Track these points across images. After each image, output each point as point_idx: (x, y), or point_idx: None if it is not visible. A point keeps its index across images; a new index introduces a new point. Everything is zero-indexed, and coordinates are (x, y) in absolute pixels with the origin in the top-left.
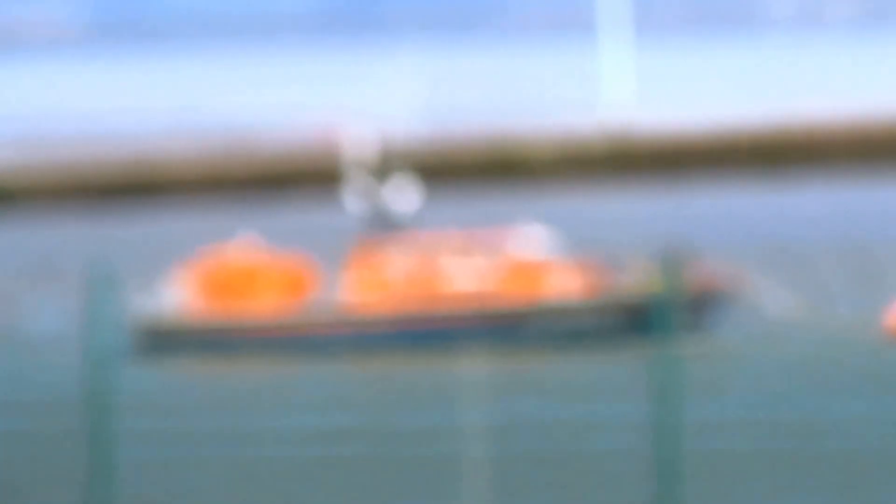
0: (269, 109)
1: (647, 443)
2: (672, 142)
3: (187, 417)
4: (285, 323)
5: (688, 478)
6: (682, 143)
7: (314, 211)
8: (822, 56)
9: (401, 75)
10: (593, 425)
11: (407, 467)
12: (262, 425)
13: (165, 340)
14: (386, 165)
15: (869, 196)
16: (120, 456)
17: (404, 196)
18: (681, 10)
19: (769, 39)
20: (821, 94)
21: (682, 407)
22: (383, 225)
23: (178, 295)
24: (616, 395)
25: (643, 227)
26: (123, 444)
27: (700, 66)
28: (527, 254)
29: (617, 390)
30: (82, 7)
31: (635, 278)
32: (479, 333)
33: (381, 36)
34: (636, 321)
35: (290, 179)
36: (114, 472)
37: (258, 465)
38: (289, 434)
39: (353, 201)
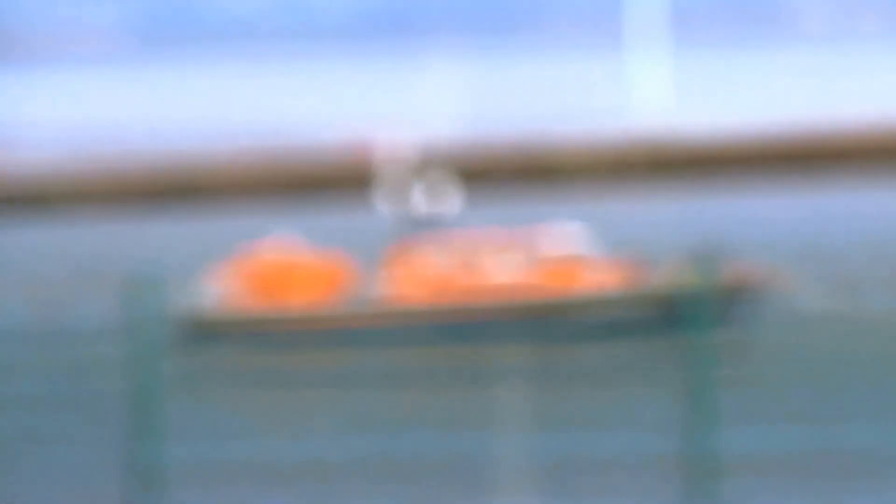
0: (309, 114)
1: (679, 439)
2: (705, 145)
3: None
4: (325, 317)
5: (723, 476)
6: (715, 146)
7: (353, 213)
8: (854, 60)
9: (438, 80)
10: (626, 421)
11: (442, 465)
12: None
13: (208, 334)
14: (424, 168)
15: None
16: (165, 450)
17: (442, 198)
18: (715, 14)
19: (802, 43)
20: (852, 99)
21: (715, 401)
22: (420, 226)
23: (221, 291)
24: (649, 392)
25: (678, 229)
26: (168, 437)
27: (734, 70)
28: (562, 251)
29: (650, 384)
30: (126, 13)
31: (669, 275)
32: (515, 328)
33: (419, 42)
34: (670, 317)
35: (330, 182)
36: (159, 465)
37: (305, 461)
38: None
39: (390, 203)
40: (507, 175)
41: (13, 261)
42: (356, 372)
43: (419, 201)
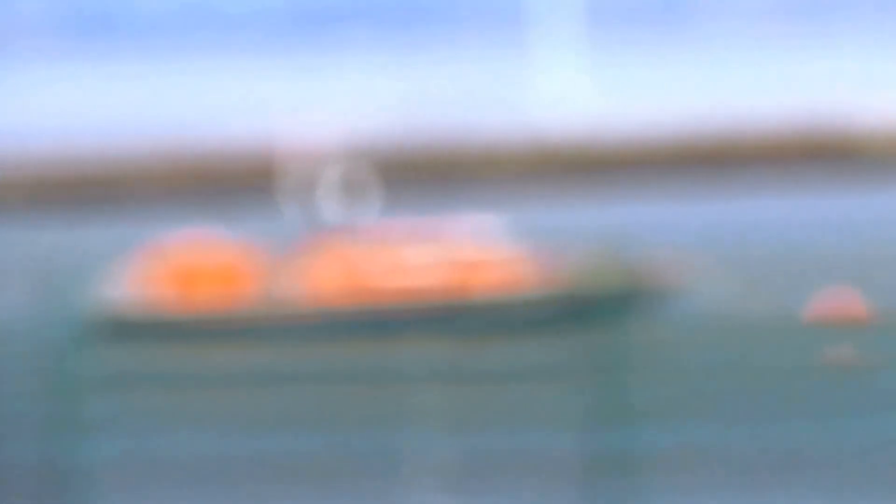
0: (221, 109)
1: (589, 436)
2: (619, 144)
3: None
4: (238, 311)
5: (633, 473)
6: (628, 145)
7: (266, 208)
8: (767, 60)
9: (351, 75)
10: (536, 417)
11: (353, 462)
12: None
13: (122, 330)
14: (336, 163)
15: (810, 200)
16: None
17: (355, 193)
18: (631, 12)
19: (717, 43)
20: (766, 99)
21: (625, 396)
22: (333, 221)
23: (134, 287)
24: (559, 387)
25: (590, 226)
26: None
27: (649, 68)
28: (475, 245)
29: (560, 379)
30: (35, 8)
31: (580, 271)
32: (427, 322)
33: (330, 37)
34: (580, 311)
35: (242, 178)
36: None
37: (217, 458)
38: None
39: (302, 199)
40: (420, 170)
41: None
42: (269, 368)
43: (331, 196)
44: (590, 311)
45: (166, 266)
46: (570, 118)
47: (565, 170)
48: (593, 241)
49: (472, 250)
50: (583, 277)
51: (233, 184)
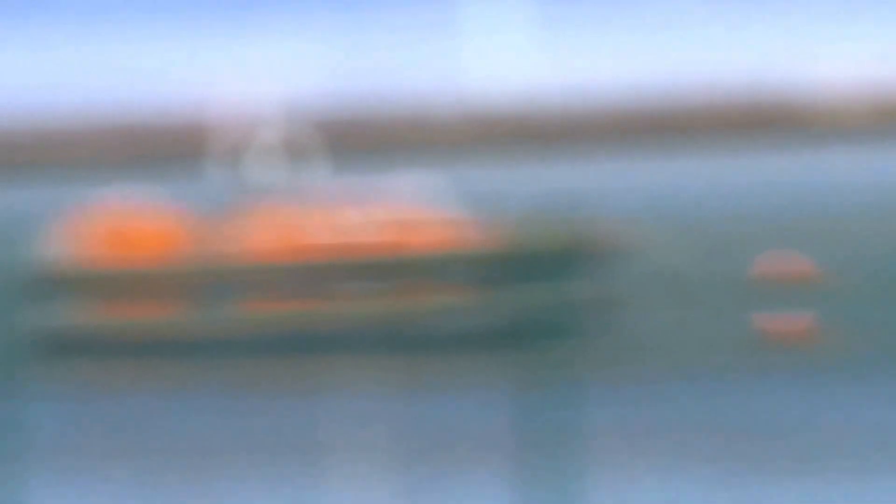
0: (153, 77)
1: (526, 407)
2: (566, 111)
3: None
4: (171, 271)
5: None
6: (575, 111)
7: (201, 171)
8: (710, 28)
9: (288, 41)
10: (474, 387)
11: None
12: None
13: (53, 290)
14: (270, 129)
15: (753, 165)
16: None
17: (291, 156)
18: None
19: (656, 9)
20: (705, 67)
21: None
22: (267, 183)
23: (65, 249)
24: (498, 353)
25: (535, 190)
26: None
27: (596, 36)
28: (411, 206)
29: (498, 343)
30: None
31: (518, 230)
32: (361, 278)
33: (263, 5)
34: (517, 269)
35: (175, 144)
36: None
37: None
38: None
39: (237, 161)
40: (359, 134)
41: None
42: (202, 330)
43: (267, 159)
44: (528, 270)
45: (100, 227)
46: (510, 84)
47: (504, 134)
48: (534, 204)
49: (409, 211)
50: (521, 237)
51: (167, 147)
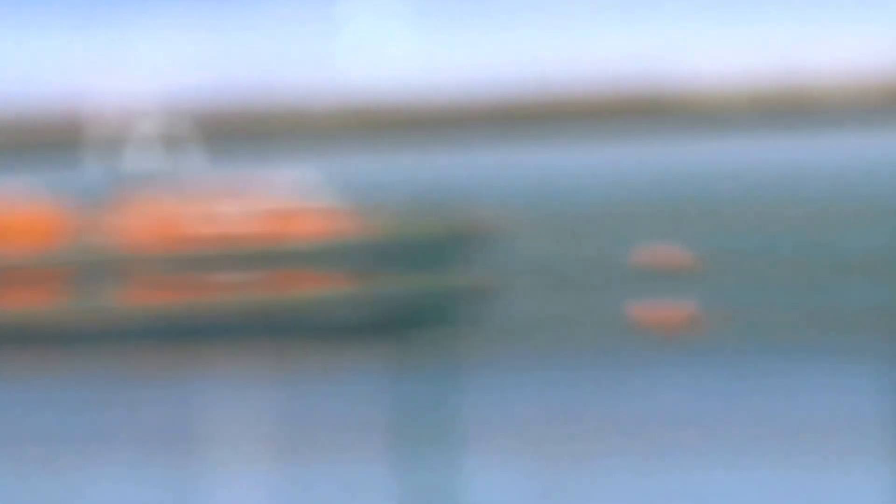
0: (28, 68)
1: (407, 399)
2: (442, 101)
3: None
4: (42, 261)
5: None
6: (451, 102)
7: (72, 164)
8: (586, 19)
9: (165, 32)
10: (343, 363)
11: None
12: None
13: None
14: (146, 120)
15: (628, 153)
16: None
17: (167, 148)
18: None
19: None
20: (581, 57)
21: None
22: (143, 174)
23: None
24: (374, 343)
25: (410, 180)
26: None
27: (473, 28)
28: (289, 199)
29: (376, 334)
30: None
31: (397, 221)
32: (237, 267)
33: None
34: (394, 256)
35: (48, 135)
36: None
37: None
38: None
39: (112, 153)
40: (235, 126)
41: None
42: (78, 320)
43: (143, 151)
44: (405, 259)
45: None
46: (387, 75)
47: (381, 124)
48: (410, 193)
49: (287, 201)
50: (398, 226)
51: (43, 138)
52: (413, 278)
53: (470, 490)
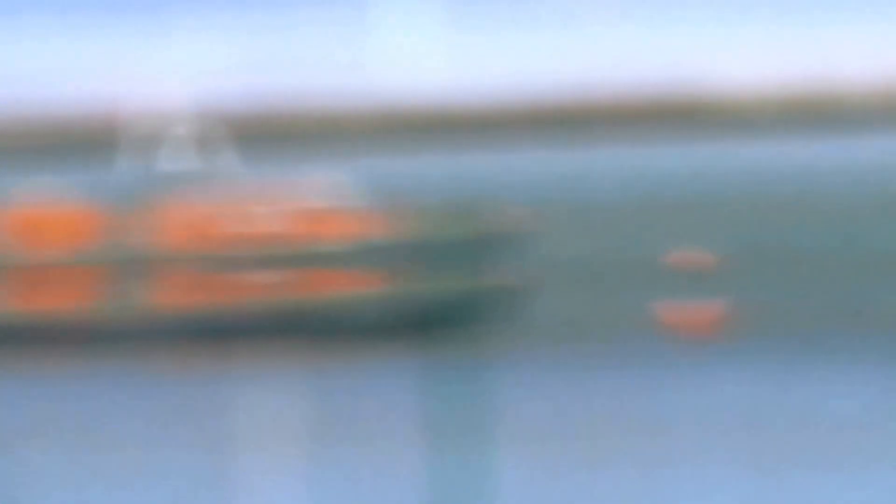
0: (62, 70)
1: (440, 394)
2: (473, 104)
3: None
4: (77, 261)
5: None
6: (482, 105)
7: (109, 166)
8: (620, 23)
9: (194, 39)
10: (374, 363)
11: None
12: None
13: None
14: (179, 122)
15: (655, 156)
16: None
17: (202, 151)
18: None
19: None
20: (616, 61)
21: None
22: (178, 177)
23: None
24: (408, 343)
25: (443, 182)
26: None
27: (501, 30)
28: (322, 202)
29: (409, 335)
30: None
31: (430, 223)
32: (264, 271)
33: (173, 2)
34: (428, 256)
35: (85, 137)
36: None
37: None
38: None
39: (148, 155)
40: (270, 129)
41: None
42: (113, 319)
43: (178, 153)
44: (436, 259)
45: (12, 217)
46: (417, 77)
47: (412, 126)
48: (441, 194)
49: (318, 204)
50: (429, 227)
51: (79, 139)
52: (443, 279)
53: (498, 487)
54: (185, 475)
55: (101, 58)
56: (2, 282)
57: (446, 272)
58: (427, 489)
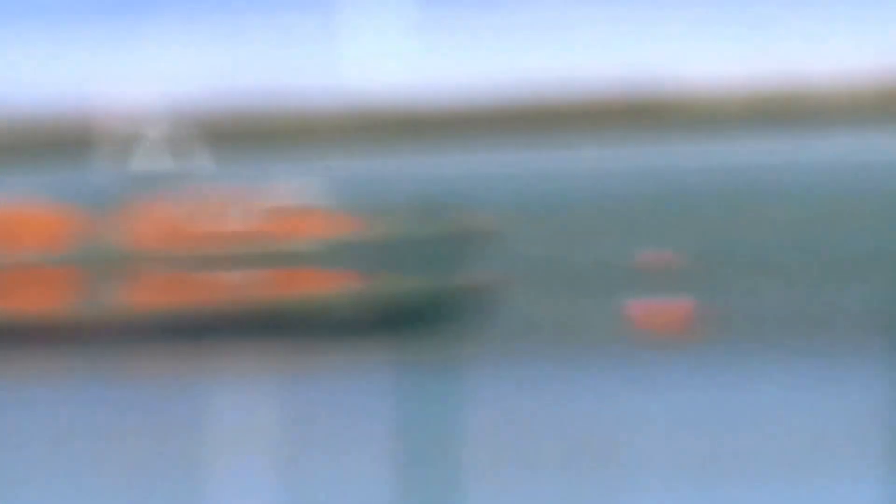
0: (36, 73)
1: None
2: (442, 105)
3: None
4: (51, 261)
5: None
6: (451, 106)
7: (83, 169)
8: (586, 23)
9: (169, 40)
10: (345, 361)
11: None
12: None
13: None
14: (154, 125)
15: (624, 156)
16: None
17: (175, 154)
18: None
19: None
20: (583, 61)
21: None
22: (151, 181)
23: None
24: (377, 343)
25: (411, 184)
26: None
27: (473, 28)
28: (291, 204)
29: (378, 336)
30: None
31: (398, 224)
32: (238, 270)
33: (147, 5)
34: (398, 258)
35: (59, 141)
36: None
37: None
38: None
39: (119, 160)
40: (242, 133)
41: None
42: (86, 320)
43: (151, 157)
44: (406, 259)
45: None
46: (388, 79)
47: (382, 128)
48: (412, 195)
49: (291, 204)
50: (400, 227)
51: (53, 141)
52: (415, 279)
53: (470, 488)
54: (160, 476)
55: (75, 60)
56: None
57: (418, 272)
58: (400, 489)
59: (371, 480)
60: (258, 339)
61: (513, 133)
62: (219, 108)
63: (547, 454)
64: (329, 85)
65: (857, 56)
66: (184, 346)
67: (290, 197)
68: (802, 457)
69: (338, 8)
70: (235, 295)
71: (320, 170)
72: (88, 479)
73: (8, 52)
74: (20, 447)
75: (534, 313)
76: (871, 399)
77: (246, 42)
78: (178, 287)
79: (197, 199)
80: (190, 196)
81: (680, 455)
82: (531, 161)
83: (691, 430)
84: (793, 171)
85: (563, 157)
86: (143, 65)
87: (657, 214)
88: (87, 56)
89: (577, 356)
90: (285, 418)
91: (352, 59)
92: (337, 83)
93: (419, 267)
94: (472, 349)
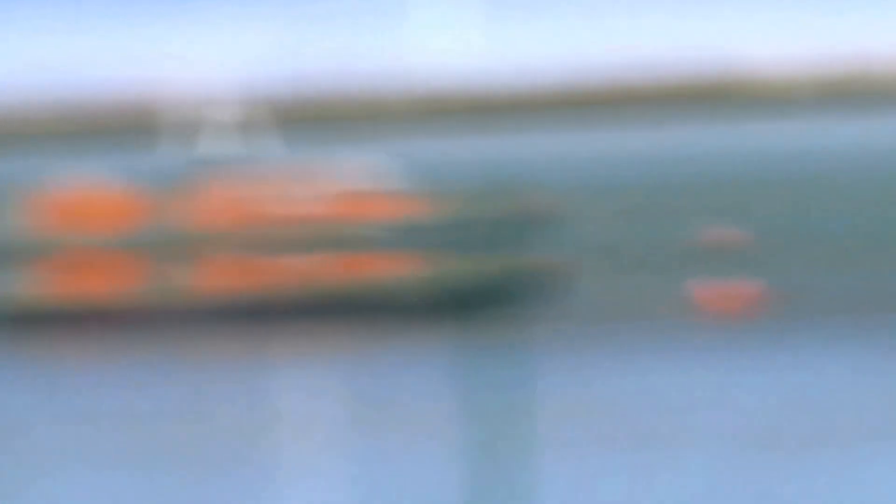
0: (105, 56)
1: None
2: (509, 88)
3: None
4: (121, 243)
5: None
6: (518, 89)
7: (150, 150)
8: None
9: (235, 23)
10: (413, 342)
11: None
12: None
13: (8, 261)
14: (221, 106)
15: (690, 137)
16: None
17: (244, 134)
18: None
19: None
20: (654, 44)
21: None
22: (218, 161)
23: (26, 222)
24: (446, 323)
25: (479, 165)
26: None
27: (540, 12)
28: (362, 183)
29: (449, 314)
30: None
31: (465, 204)
32: (305, 251)
33: None
34: (466, 240)
35: (126, 123)
36: None
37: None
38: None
39: (189, 139)
40: (311, 113)
41: None
42: (156, 301)
43: (216, 140)
44: (474, 240)
45: (57, 201)
46: (454, 61)
47: (449, 110)
48: (480, 176)
49: (357, 186)
50: (468, 208)
51: (122, 124)
52: (482, 260)
53: (539, 467)
54: (229, 457)
55: (143, 43)
56: (46, 266)
57: (485, 254)
58: (468, 469)
59: (439, 463)
60: (325, 323)
61: (579, 115)
62: (287, 90)
63: (615, 435)
64: (396, 68)
65: None
66: (250, 330)
67: (357, 179)
68: (867, 437)
69: None
70: (303, 278)
71: (387, 152)
72: (158, 460)
73: (80, 37)
74: (91, 428)
75: (600, 293)
76: None
77: (315, 25)
78: (245, 270)
79: (265, 182)
80: (257, 179)
81: (748, 433)
82: (597, 142)
83: (760, 410)
84: (863, 152)
85: (630, 139)
86: (212, 47)
87: (725, 195)
88: (156, 38)
89: (642, 336)
90: (353, 402)
91: (419, 42)
92: (404, 66)
93: (486, 249)
94: (538, 331)
